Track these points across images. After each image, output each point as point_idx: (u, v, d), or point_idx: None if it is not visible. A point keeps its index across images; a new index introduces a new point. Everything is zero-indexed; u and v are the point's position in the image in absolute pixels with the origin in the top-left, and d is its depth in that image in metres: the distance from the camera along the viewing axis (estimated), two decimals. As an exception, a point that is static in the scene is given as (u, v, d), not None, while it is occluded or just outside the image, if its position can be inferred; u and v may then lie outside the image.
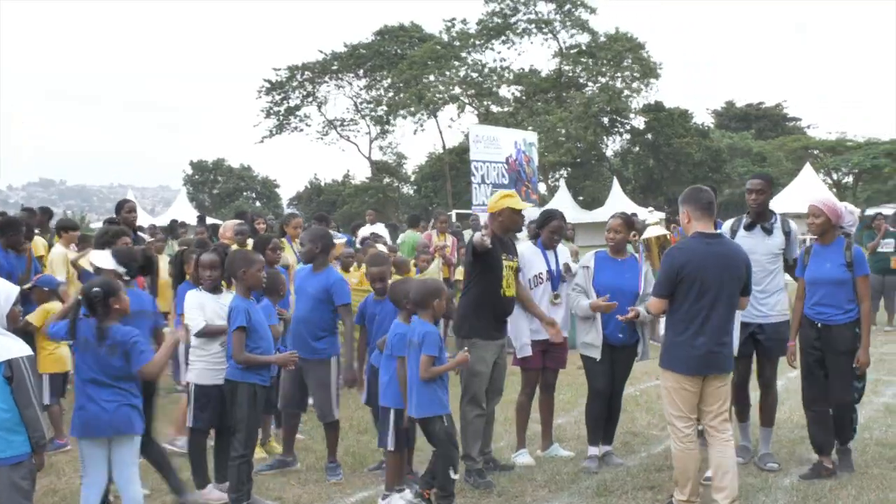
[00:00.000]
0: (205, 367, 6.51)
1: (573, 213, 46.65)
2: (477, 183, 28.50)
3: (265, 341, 6.26)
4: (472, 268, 7.04)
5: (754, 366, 7.35)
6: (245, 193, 76.02)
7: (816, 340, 6.85)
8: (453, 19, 59.86)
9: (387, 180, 66.11)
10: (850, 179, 63.33)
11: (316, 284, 7.09)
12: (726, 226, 7.30)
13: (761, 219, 7.17)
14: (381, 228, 17.15)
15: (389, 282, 7.14)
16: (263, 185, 77.85)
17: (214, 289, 6.64)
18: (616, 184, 53.28)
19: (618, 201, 51.25)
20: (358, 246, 12.53)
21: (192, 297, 6.61)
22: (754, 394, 7.49)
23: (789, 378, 8.83)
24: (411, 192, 69.92)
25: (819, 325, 6.81)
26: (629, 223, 7.45)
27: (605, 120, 62.85)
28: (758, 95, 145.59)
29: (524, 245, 7.68)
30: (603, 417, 7.31)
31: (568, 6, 59.78)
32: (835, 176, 64.06)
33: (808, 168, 51.73)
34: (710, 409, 5.90)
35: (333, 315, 7.11)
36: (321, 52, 59.67)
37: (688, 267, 5.72)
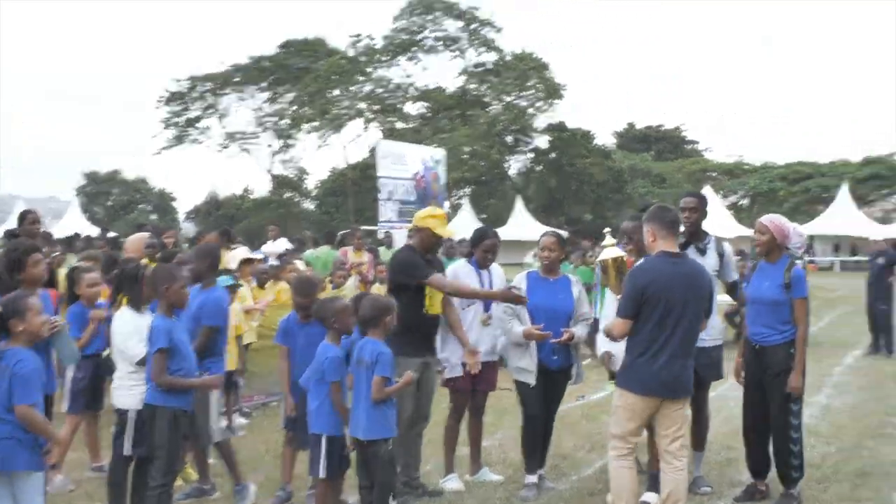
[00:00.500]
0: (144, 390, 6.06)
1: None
2: (384, 200, 28.28)
3: (188, 362, 5.89)
4: (394, 286, 6.84)
5: None
6: (140, 206, 74.30)
7: (753, 362, 6.74)
8: (359, 35, 59.64)
9: (288, 195, 65.23)
10: (746, 202, 65.04)
11: (197, 303, 6.68)
12: None
13: (695, 238, 7.02)
14: (283, 243, 16.68)
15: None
16: (160, 198, 76.18)
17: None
18: (519, 202, 53.78)
19: (521, 220, 51.78)
20: (274, 262, 12.11)
21: (126, 320, 6.14)
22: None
23: (711, 398, 8.73)
24: (312, 207, 69.28)
25: (756, 345, 6.69)
26: (563, 241, 7.26)
27: (509, 139, 63.31)
28: (657, 118, 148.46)
29: (457, 264, 7.47)
30: (540, 444, 7.08)
31: (475, 25, 60.20)
32: (732, 198, 65.75)
33: (707, 190, 53.05)
34: (666, 432, 5.72)
35: (217, 334, 6.71)
36: (223, 63, 58.73)
37: (651, 287, 5.56)
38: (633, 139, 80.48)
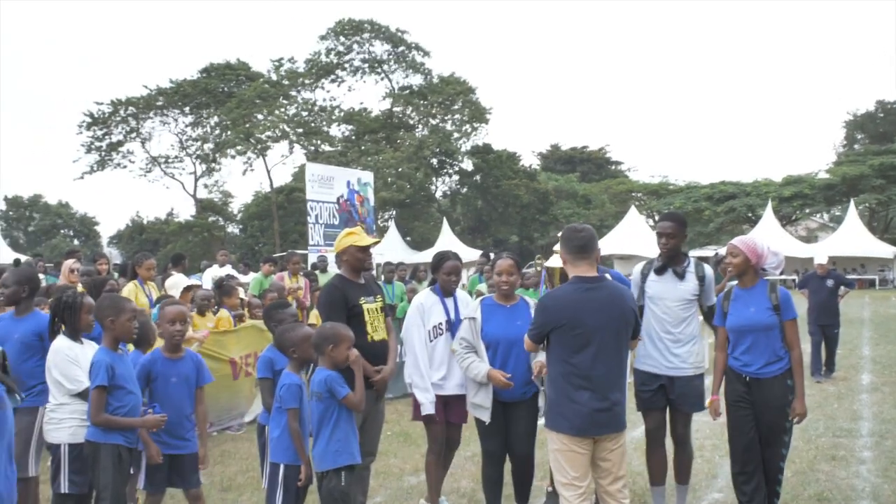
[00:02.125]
0: (80, 424, 5.72)
1: (403, 253, 46.80)
2: (312, 223, 28.11)
3: (133, 397, 5.59)
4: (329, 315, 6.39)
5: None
6: (63, 231, 73.00)
7: (746, 395, 6.18)
8: (282, 58, 59.56)
9: (212, 219, 64.66)
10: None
11: (25, 329, 6.29)
12: (637, 269, 6.87)
13: (673, 262, 6.68)
14: (230, 270, 16.36)
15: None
16: (82, 223, 74.97)
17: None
18: (445, 224, 53.84)
19: (448, 242, 51.76)
20: (205, 287, 11.77)
21: (64, 350, 5.80)
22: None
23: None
24: (237, 231, 68.68)
25: (747, 378, 6.16)
26: (520, 264, 6.90)
27: (435, 161, 63.48)
28: (582, 139, 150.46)
29: (422, 295, 7.01)
30: (500, 482, 6.58)
31: (402, 48, 60.42)
32: (658, 218, 66.66)
33: (633, 211, 53.78)
34: (603, 472, 5.25)
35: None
36: (146, 87, 58.10)
37: (560, 316, 5.13)
38: (558, 160, 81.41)
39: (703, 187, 63.14)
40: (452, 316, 6.78)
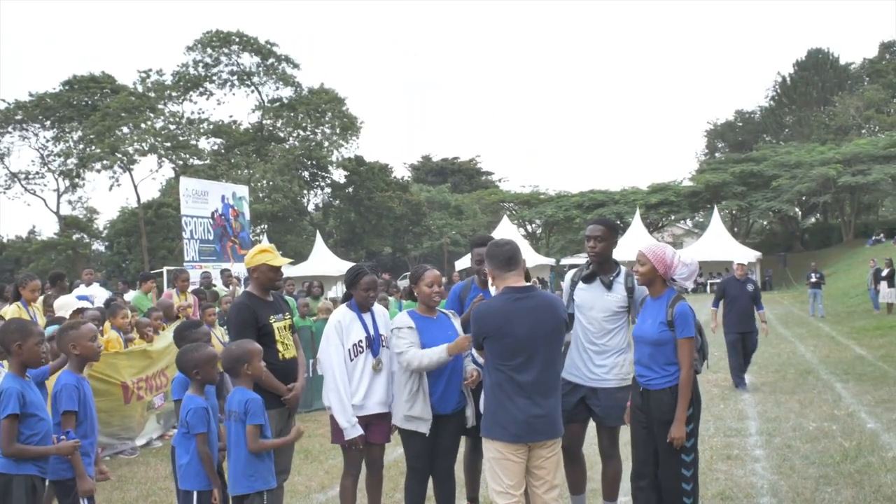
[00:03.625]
0: None
1: (276, 268, 46.10)
2: (187, 238, 27.60)
3: (45, 423, 5.35)
4: (240, 334, 6.22)
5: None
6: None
7: (642, 406, 5.96)
8: (148, 70, 58.22)
9: (77, 236, 62.58)
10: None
11: None
12: (569, 276, 6.68)
13: (602, 270, 6.40)
14: (97, 289, 15.73)
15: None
16: (-64, 241, 71.73)
17: None
18: (319, 237, 53.46)
19: (321, 255, 51.39)
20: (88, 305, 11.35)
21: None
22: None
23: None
24: (103, 248, 66.79)
25: (641, 389, 5.95)
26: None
27: (307, 174, 63.05)
28: (453, 150, 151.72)
29: (338, 312, 6.62)
30: (423, 499, 6.39)
31: (272, 60, 59.86)
32: (529, 227, 67.70)
33: (505, 220, 54.43)
34: (538, 481, 5.23)
35: None
36: (3, 100, 55.88)
37: (491, 326, 5.14)
38: (429, 172, 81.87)
39: (573, 196, 64.49)
40: (372, 332, 6.48)
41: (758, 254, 50.63)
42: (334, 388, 6.31)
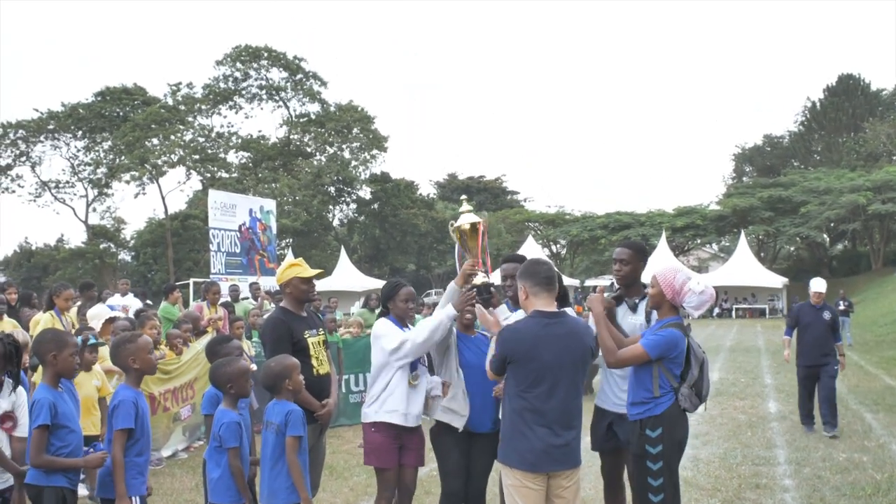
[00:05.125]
0: None
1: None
2: (214, 251, 27.71)
3: (75, 435, 5.35)
4: (275, 350, 6.17)
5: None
6: (-54, 256, 70.50)
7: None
8: (179, 83, 58.73)
9: (104, 245, 63.06)
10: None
11: None
12: None
13: (630, 293, 6.33)
14: (131, 299, 15.81)
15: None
16: (-34, 248, 72.40)
17: None
18: (343, 253, 53.59)
19: (346, 270, 51.57)
20: (120, 315, 11.39)
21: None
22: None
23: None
24: (129, 258, 67.20)
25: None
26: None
27: (333, 189, 63.24)
28: (479, 169, 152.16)
29: (379, 325, 6.36)
30: None
31: (300, 76, 60.15)
32: (554, 248, 67.53)
33: (530, 240, 54.40)
34: None
35: None
36: (37, 110, 56.55)
37: (518, 350, 5.00)
38: (455, 190, 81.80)
39: (598, 217, 64.11)
40: None
41: (784, 280, 50.36)
42: (424, 326, 6.09)
